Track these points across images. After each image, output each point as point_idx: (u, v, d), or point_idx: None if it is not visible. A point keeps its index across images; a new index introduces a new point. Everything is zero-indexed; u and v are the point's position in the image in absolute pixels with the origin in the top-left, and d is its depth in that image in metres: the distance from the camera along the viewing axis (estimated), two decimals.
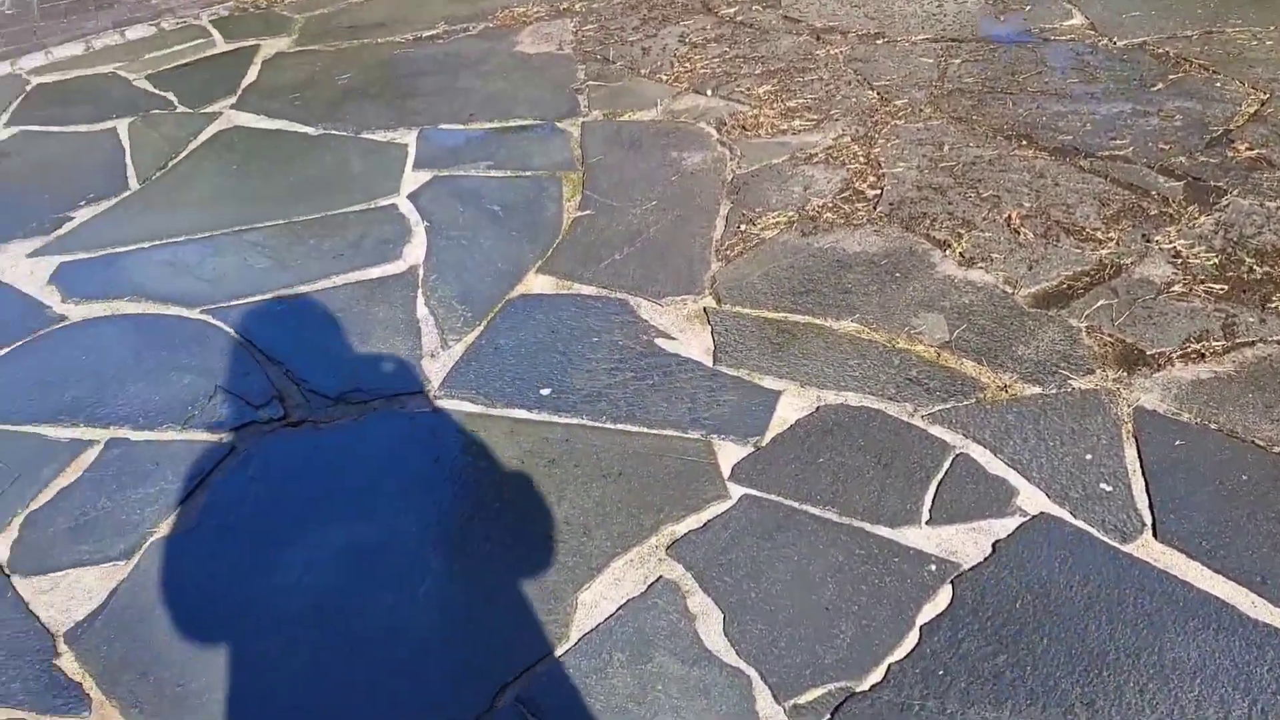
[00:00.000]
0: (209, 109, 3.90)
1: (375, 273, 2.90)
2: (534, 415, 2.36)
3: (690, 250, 2.87)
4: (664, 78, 3.86)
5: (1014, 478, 2.06)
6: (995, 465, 2.09)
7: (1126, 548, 1.90)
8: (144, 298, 2.85)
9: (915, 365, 2.38)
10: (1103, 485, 2.03)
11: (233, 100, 3.95)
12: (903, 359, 2.41)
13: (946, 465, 2.11)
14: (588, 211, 3.09)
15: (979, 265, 2.67)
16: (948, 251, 2.74)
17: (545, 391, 2.41)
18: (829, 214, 2.96)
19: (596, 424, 2.31)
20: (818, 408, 2.30)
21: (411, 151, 3.49)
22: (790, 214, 2.97)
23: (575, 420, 2.33)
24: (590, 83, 3.86)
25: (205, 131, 3.73)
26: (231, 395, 2.48)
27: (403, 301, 2.76)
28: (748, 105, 3.59)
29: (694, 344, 2.52)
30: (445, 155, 3.44)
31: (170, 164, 3.53)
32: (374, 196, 3.25)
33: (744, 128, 3.45)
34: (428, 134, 3.59)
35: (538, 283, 2.81)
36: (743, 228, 2.94)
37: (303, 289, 2.85)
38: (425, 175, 3.35)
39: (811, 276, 2.70)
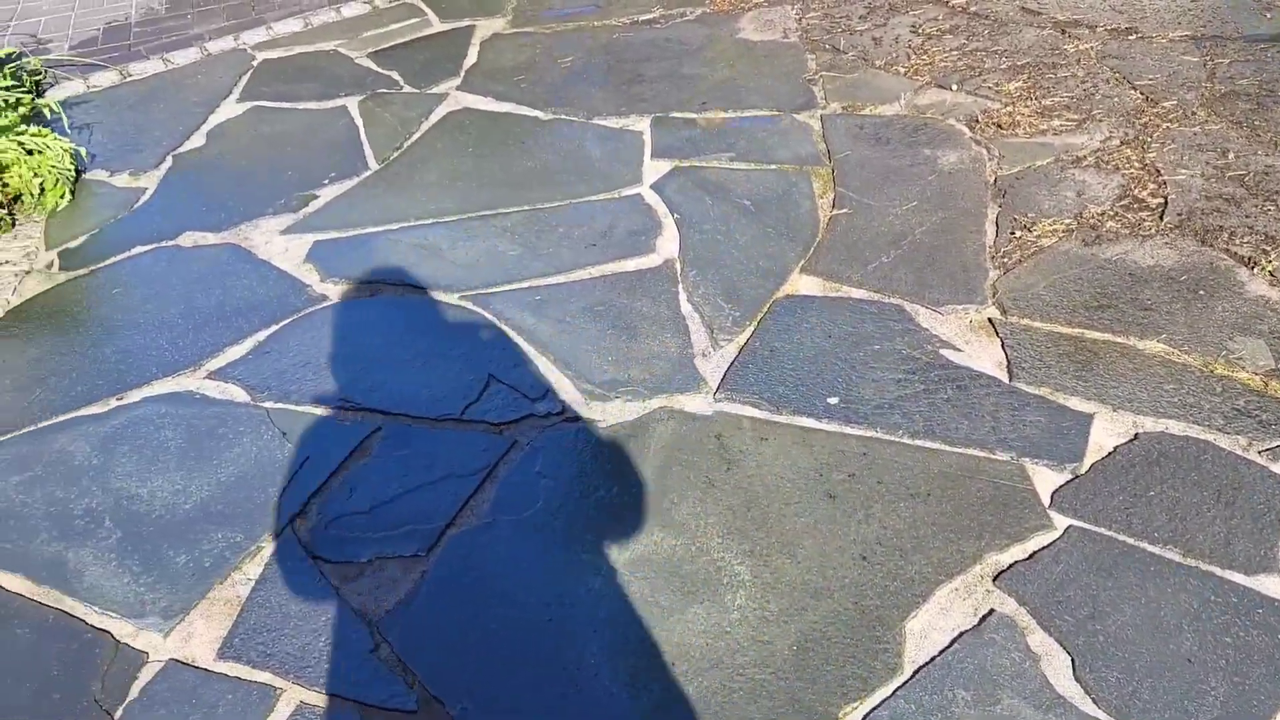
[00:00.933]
0: (435, 89, 3.91)
1: (630, 265, 2.85)
2: (824, 425, 2.28)
3: (963, 255, 2.74)
4: (901, 70, 3.72)
5: None
6: None
7: None
8: (401, 280, 2.85)
9: (1241, 394, 2.22)
10: None
11: (457, 81, 3.96)
12: (1225, 386, 2.24)
13: None
14: (844, 210, 2.98)
15: None
16: (1255, 270, 2.55)
17: (833, 400, 2.33)
18: (1111, 223, 2.79)
19: (893, 438, 2.22)
20: (1136, 435, 2.16)
21: (647, 139, 3.43)
22: (1067, 221, 2.82)
23: (869, 433, 2.24)
24: (823, 73, 3.74)
25: (435, 112, 3.74)
26: (505, 386, 2.46)
27: (665, 297, 2.71)
28: (998, 102, 3.43)
29: (984, 357, 2.41)
30: (683, 145, 3.37)
31: (405, 144, 3.54)
32: (616, 186, 3.21)
33: (999, 126, 3.29)
34: (661, 121, 3.53)
35: (804, 283, 2.72)
36: (1016, 234, 2.80)
37: (558, 279, 2.82)
38: (665, 165, 3.29)
39: (1104, 291, 2.55)
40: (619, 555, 2.02)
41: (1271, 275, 2.53)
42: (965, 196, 2.98)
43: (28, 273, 3.05)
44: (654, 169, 3.29)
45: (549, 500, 2.17)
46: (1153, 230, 2.74)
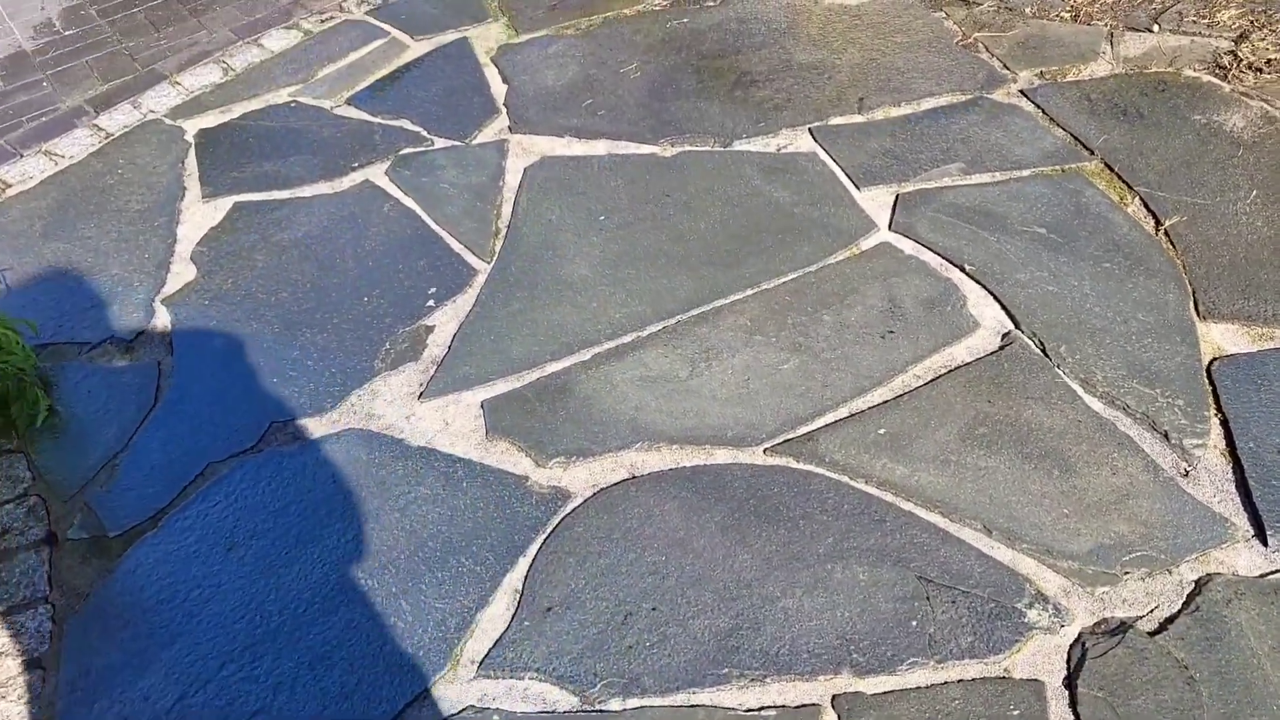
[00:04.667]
0: (481, 137, 2.97)
1: (962, 352, 2.12)
2: None
3: None
4: (1066, 14, 3.09)
5: None
6: None
7: None
8: (660, 438, 2.01)
9: None
10: None
11: (503, 120, 3.03)
12: None
13: None
14: (1176, 218, 2.35)
15: None
16: None
17: None
18: None
19: None
20: None
21: (829, 161, 2.67)
22: None
23: None
24: (976, 34, 3.07)
25: (507, 170, 2.82)
26: (953, 593, 1.70)
27: (1056, 392, 1.99)
28: (1224, 38, 2.86)
29: None
30: (882, 162, 2.64)
31: (502, 226, 2.63)
32: (845, 237, 2.44)
33: (1255, 69, 2.72)
34: (827, 134, 2.76)
35: (1219, 335, 2.08)
36: None
37: (881, 393, 2.07)
38: (883, 194, 2.55)
39: None
40: None
41: None
42: None
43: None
44: (874, 203, 2.54)
45: None
46: None
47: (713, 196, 2.62)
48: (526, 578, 1.82)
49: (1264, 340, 2.07)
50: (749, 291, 2.34)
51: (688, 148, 2.82)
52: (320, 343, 2.35)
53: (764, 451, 2.00)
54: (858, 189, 2.58)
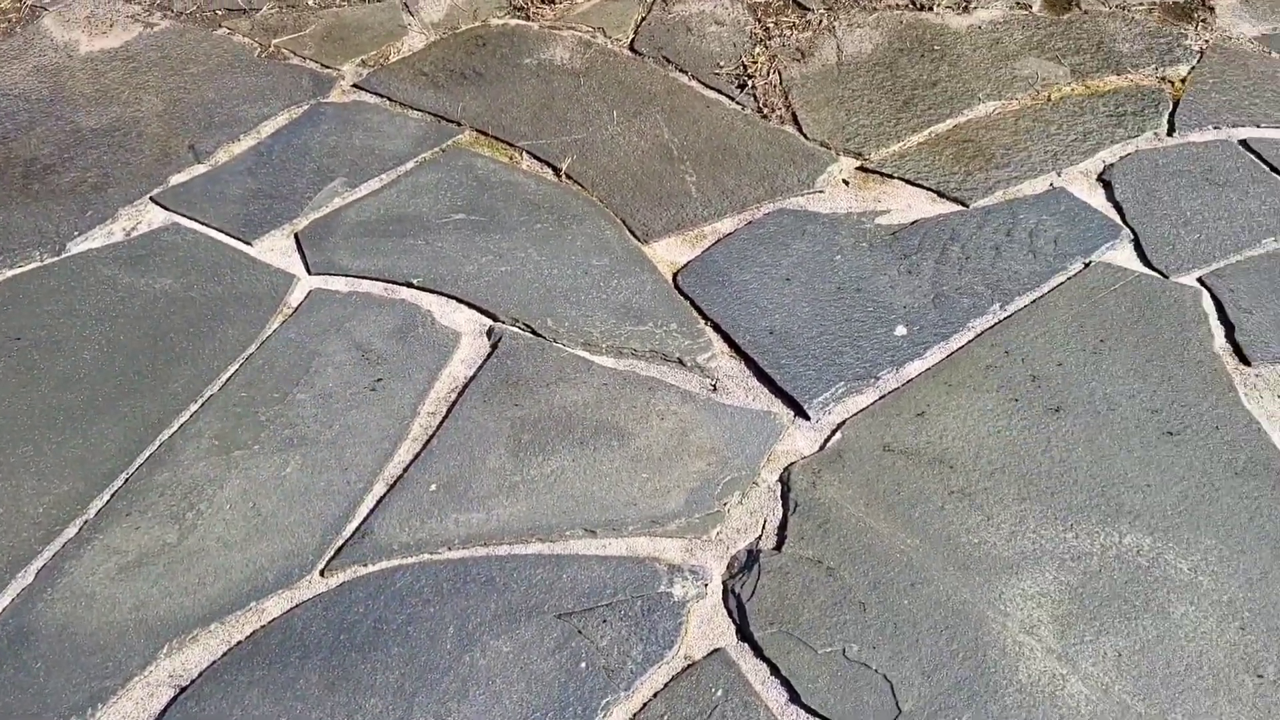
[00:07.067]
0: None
1: (460, 370, 2.02)
2: None
3: None
4: None
5: None
6: None
7: None
8: (188, 626, 1.63)
9: None
10: None
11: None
12: None
13: None
14: (569, 160, 2.43)
15: None
16: None
17: None
18: None
19: None
20: None
21: (197, 226, 2.32)
22: None
23: None
24: (275, 41, 2.85)
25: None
26: (625, 606, 1.62)
27: (571, 368, 1.98)
28: None
29: None
30: (259, 206, 2.37)
31: None
32: (266, 301, 2.16)
33: (550, 1, 2.89)
34: (176, 197, 2.40)
35: (664, 252, 2.20)
36: None
37: (404, 450, 1.88)
38: (279, 239, 2.30)
39: None
40: None
41: None
42: None
43: None
44: (275, 252, 2.29)
45: None
46: None
47: (81, 318, 2.12)
48: None
49: (699, 240, 2.21)
50: (195, 406, 1.94)
51: (12, 272, 2.24)
52: None
53: (321, 575, 1.68)
54: (248, 244, 2.26)
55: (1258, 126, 2.33)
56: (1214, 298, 1.98)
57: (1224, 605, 1.54)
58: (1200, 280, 2.02)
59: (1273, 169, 2.22)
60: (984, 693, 1.47)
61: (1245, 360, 1.86)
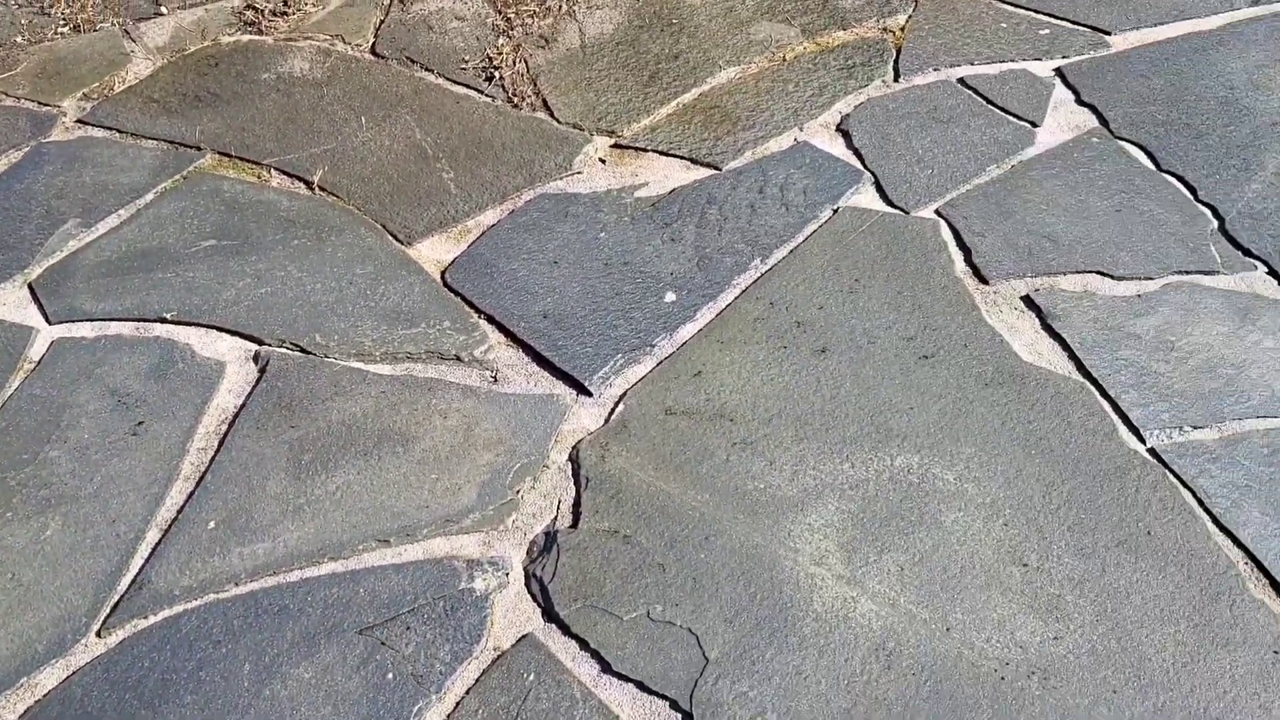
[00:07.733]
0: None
1: (228, 400, 1.94)
2: None
3: None
4: (64, 30, 2.83)
5: None
6: None
7: None
8: None
9: None
10: None
11: None
12: None
13: None
14: (322, 170, 2.37)
15: None
16: None
17: None
18: None
19: None
20: None
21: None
22: None
23: None
24: None
25: None
26: (428, 609, 1.61)
27: (346, 380, 1.94)
28: None
29: None
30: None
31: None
32: (3, 355, 2.01)
33: (282, 14, 2.81)
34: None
35: (429, 251, 2.19)
36: None
37: (176, 493, 1.80)
38: (11, 291, 2.14)
39: None
40: None
41: None
42: None
43: None
44: (7, 306, 2.11)
45: None
46: None
47: None
48: None
49: (464, 236, 2.20)
50: None
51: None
52: None
53: (99, 635, 1.59)
54: None
55: (971, 64, 2.50)
56: (950, 226, 2.12)
57: (988, 506, 1.64)
58: (937, 211, 2.15)
59: (989, 102, 2.39)
60: (784, 628, 1.52)
61: (983, 279, 2.00)
